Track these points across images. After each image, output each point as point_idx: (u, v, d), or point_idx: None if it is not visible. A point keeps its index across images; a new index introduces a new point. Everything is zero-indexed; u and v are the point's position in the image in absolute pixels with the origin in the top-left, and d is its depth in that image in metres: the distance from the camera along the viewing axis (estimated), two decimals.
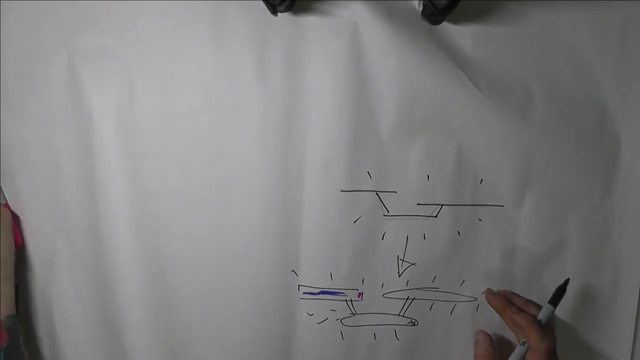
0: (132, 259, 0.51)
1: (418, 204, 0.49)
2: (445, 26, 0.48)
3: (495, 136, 0.49)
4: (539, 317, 0.48)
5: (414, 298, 0.51)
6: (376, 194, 0.49)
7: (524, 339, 0.47)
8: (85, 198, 0.50)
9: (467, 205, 0.50)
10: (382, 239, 0.50)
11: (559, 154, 0.49)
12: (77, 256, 0.51)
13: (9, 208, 0.52)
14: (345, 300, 0.51)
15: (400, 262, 0.51)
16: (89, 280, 0.51)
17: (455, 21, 0.47)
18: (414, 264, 0.51)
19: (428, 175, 0.49)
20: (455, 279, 0.51)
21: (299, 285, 0.51)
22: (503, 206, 0.50)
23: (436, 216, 0.50)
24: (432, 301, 0.52)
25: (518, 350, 0.47)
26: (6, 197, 0.52)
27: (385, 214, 0.50)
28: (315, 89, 0.48)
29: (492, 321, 0.52)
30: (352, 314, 0.52)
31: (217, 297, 0.51)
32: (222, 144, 0.49)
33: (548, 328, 0.48)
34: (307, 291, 0.51)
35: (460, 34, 0.48)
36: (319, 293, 0.51)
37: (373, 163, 0.49)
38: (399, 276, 0.51)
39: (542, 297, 0.51)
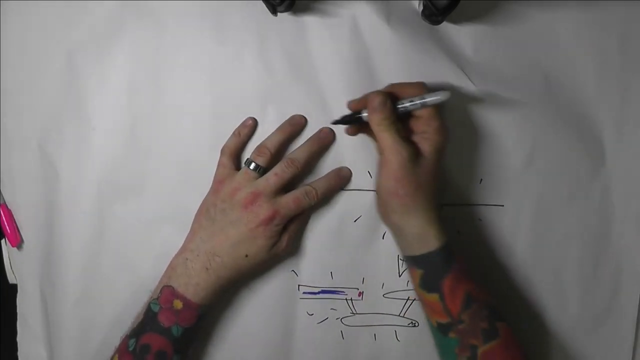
0: (130, 258, 0.50)
1: None
2: (445, 26, 0.48)
3: (495, 136, 0.49)
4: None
5: (415, 299, 0.51)
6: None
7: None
8: (83, 197, 0.50)
9: (467, 205, 0.50)
10: (383, 238, 0.50)
11: (559, 154, 0.49)
12: (75, 256, 0.51)
13: (7, 207, 0.52)
14: (346, 299, 0.51)
15: (400, 262, 0.50)
16: (87, 279, 0.51)
17: (455, 21, 0.48)
18: None
19: None
20: None
21: (298, 285, 0.51)
22: (503, 206, 0.50)
23: None
24: None
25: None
26: (5, 197, 0.52)
27: None
28: (315, 88, 0.48)
29: None
30: (353, 313, 0.52)
31: None
32: (222, 144, 0.48)
33: None
34: (307, 291, 0.51)
35: (460, 34, 0.48)
36: (319, 292, 0.51)
37: (373, 163, 0.49)
38: (400, 276, 0.51)
39: (544, 293, 0.51)
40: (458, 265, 0.44)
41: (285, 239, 0.47)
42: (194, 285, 0.45)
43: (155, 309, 0.45)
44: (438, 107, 0.43)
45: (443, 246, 0.44)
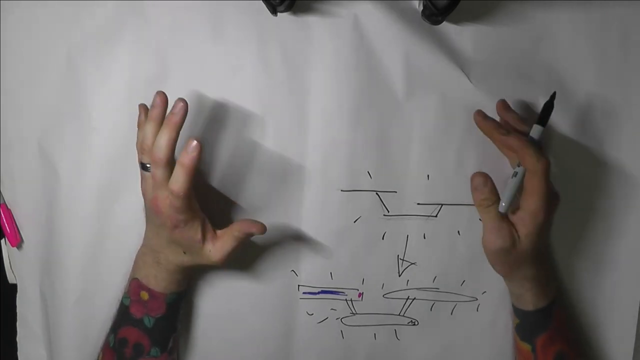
0: (130, 258, 0.50)
1: (418, 204, 0.49)
2: (445, 26, 0.48)
3: None
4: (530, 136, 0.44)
5: (414, 298, 0.51)
6: (376, 193, 0.49)
7: (519, 163, 0.44)
8: (83, 197, 0.50)
9: (467, 205, 0.50)
10: (382, 238, 0.50)
11: (559, 154, 0.49)
12: (75, 256, 0.51)
13: (7, 207, 0.52)
14: (346, 300, 0.51)
15: (400, 261, 0.51)
16: (87, 279, 0.51)
17: (455, 21, 0.48)
18: (414, 263, 0.51)
19: (428, 175, 0.49)
20: (456, 279, 0.51)
21: (298, 285, 0.51)
22: None
23: (436, 216, 0.50)
24: (433, 301, 0.51)
25: (516, 177, 0.44)
26: (5, 197, 0.52)
27: (386, 213, 0.50)
28: (316, 89, 0.48)
29: (494, 322, 0.52)
30: (353, 313, 0.52)
31: (216, 297, 0.51)
32: (222, 143, 0.49)
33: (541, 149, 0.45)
34: (307, 291, 0.51)
35: (460, 34, 0.48)
36: (319, 292, 0.51)
37: (373, 163, 0.49)
38: (399, 276, 0.51)
39: None
40: (555, 326, 0.47)
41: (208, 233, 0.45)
42: (154, 277, 0.46)
43: (127, 302, 0.47)
44: (541, 184, 0.42)
45: (539, 309, 0.47)
